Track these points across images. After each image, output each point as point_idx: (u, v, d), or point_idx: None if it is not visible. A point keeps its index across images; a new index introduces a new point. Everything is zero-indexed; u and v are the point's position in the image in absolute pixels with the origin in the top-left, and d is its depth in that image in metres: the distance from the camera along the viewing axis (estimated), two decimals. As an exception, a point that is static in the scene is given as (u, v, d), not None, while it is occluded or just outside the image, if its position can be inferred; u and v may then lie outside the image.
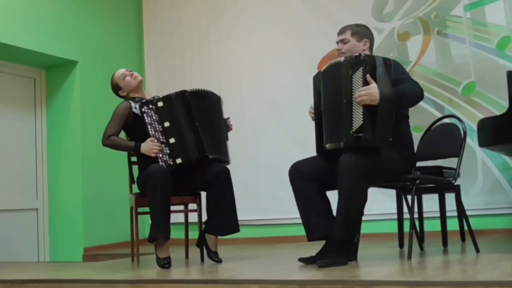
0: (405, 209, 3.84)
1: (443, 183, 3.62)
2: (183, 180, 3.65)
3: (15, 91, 5.52)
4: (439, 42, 5.08)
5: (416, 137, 3.60)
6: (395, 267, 3.03)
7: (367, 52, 3.35)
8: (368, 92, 3.01)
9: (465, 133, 3.61)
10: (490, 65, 4.82)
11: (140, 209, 3.70)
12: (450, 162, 3.76)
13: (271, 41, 5.71)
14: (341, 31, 3.42)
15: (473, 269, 2.85)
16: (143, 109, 3.62)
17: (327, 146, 3.19)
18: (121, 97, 3.87)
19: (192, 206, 3.88)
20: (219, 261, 3.61)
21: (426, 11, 5.13)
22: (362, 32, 3.40)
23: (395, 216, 3.92)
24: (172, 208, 3.61)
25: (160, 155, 3.58)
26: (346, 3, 5.40)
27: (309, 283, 2.55)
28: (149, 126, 3.61)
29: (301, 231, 3.36)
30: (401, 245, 3.92)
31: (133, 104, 3.72)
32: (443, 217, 3.91)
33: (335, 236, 3.08)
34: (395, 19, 5.25)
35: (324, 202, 3.26)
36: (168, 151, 3.60)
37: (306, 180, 3.25)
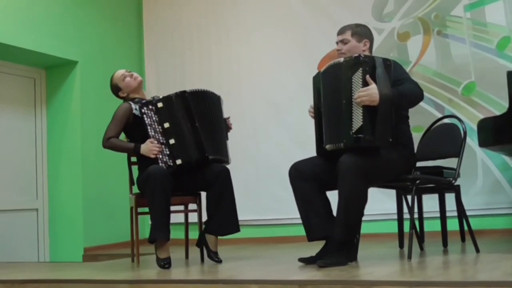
0: (405, 209, 3.84)
1: (443, 183, 3.63)
2: (183, 180, 3.65)
3: (15, 91, 5.52)
4: (439, 42, 5.08)
5: (416, 137, 3.60)
6: (395, 267, 3.03)
7: (367, 53, 3.35)
8: (367, 92, 3.01)
9: (465, 133, 3.61)
10: (490, 65, 4.82)
11: (140, 209, 3.70)
12: (450, 162, 3.76)
13: (271, 41, 5.71)
14: (341, 31, 3.42)
15: (473, 269, 2.85)
16: (143, 110, 3.61)
17: (327, 147, 3.19)
18: (121, 98, 3.86)
19: (192, 206, 3.88)
20: (219, 261, 3.61)
21: (426, 11, 5.13)
22: (362, 32, 3.39)
23: (395, 216, 3.92)
24: (172, 208, 3.61)
25: (160, 156, 3.58)
26: (346, 3, 5.40)
27: (309, 283, 2.55)
28: (149, 127, 3.60)
29: (301, 231, 3.36)
30: (401, 245, 3.92)
31: (133, 106, 3.71)
32: (443, 217, 3.91)
33: (335, 237, 3.08)
34: (395, 19, 5.25)
35: (324, 202, 3.26)
36: (168, 152, 3.59)
37: (306, 180, 3.25)
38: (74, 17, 5.60)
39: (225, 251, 4.00)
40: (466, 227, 3.70)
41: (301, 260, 3.26)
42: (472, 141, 4.57)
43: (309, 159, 3.36)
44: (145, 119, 3.61)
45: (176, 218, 3.96)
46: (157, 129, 3.62)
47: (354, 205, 3.06)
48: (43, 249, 5.57)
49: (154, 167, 3.48)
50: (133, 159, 3.86)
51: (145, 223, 4.98)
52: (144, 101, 3.68)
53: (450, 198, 3.86)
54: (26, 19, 5.16)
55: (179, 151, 3.59)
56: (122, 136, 3.80)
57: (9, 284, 3.25)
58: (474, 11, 4.95)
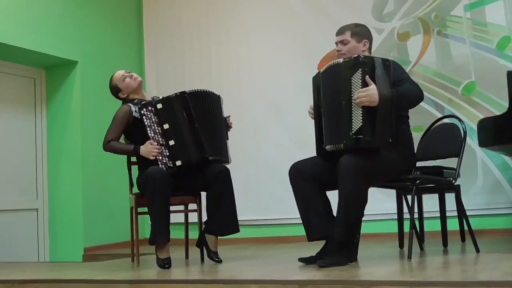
0: (405, 209, 3.84)
1: (443, 183, 3.62)
2: (183, 180, 3.65)
3: (15, 91, 5.52)
4: (439, 42, 5.08)
5: (416, 137, 3.60)
6: (395, 267, 3.03)
7: (366, 53, 3.34)
8: (367, 93, 3.01)
9: (465, 133, 3.61)
10: (490, 65, 4.82)
11: (140, 209, 3.70)
12: (450, 162, 3.76)
13: (271, 41, 5.71)
14: (340, 32, 3.41)
15: (473, 269, 2.85)
16: (142, 111, 3.60)
17: (327, 147, 3.19)
18: (121, 99, 3.85)
19: (192, 206, 3.88)
20: (219, 261, 3.61)
21: (426, 11, 5.13)
22: (361, 32, 3.39)
23: (395, 216, 3.92)
24: (172, 208, 3.61)
25: (160, 158, 3.57)
26: (346, 3, 5.40)
27: (309, 283, 2.55)
28: (148, 129, 3.59)
29: (301, 231, 3.36)
30: (401, 245, 3.92)
31: (133, 108, 3.70)
32: (443, 217, 3.91)
33: (335, 237, 3.08)
34: (395, 19, 5.25)
35: (324, 202, 3.26)
36: (167, 153, 3.59)
37: (306, 180, 3.25)
38: (74, 17, 5.60)
39: (225, 251, 4.00)
40: (466, 227, 3.70)
41: (301, 260, 3.26)
42: (472, 141, 4.57)
43: (309, 159, 3.36)
44: (145, 120, 3.60)
45: (176, 218, 3.96)
46: (157, 130, 3.61)
47: (354, 205, 3.06)
48: (43, 249, 5.57)
49: (154, 169, 3.47)
50: (133, 159, 3.86)
51: (145, 223, 4.99)
52: (143, 103, 3.68)
53: (450, 198, 3.86)
54: (26, 19, 5.16)
55: (179, 152, 3.59)
56: (121, 138, 3.80)
57: (9, 284, 3.25)
58: (474, 11, 4.95)
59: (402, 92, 3.12)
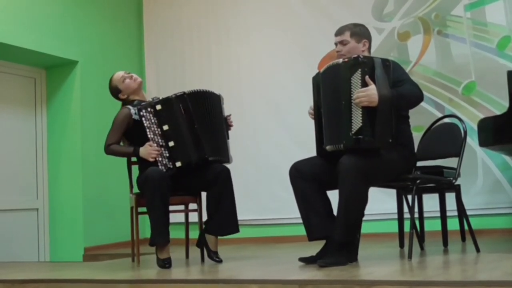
0: (406, 209, 3.84)
1: (444, 182, 3.62)
2: (183, 180, 3.65)
3: (15, 91, 5.52)
4: (439, 42, 5.08)
5: (417, 137, 3.60)
6: (396, 267, 3.03)
7: (366, 53, 3.34)
8: (366, 93, 3.00)
9: (465, 132, 3.61)
10: (490, 65, 4.82)
11: (140, 209, 3.70)
12: (450, 162, 3.76)
13: (271, 41, 5.71)
14: (339, 32, 3.40)
15: (473, 269, 2.85)
16: (141, 113, 3.59)
17: (327, 148, 3.19)
18: (121, 100, 3.84)
19: (193, 206, 3.88)
20: (219, 261, 3.60)
21: (426, 11, 5.13)
22: (361, 32, 3.38)
23: (396, 216, 3.92)
24: (172, 208, 3.61)
25: (160, 159, 3.57)
26: (346, 3, 5.40)
27: (309, 283, 2.54)
28: (148, 130, 3.58)
29: (301, 231, 3.36)
30: (401, 245, 3.92)
31: (132, 110, 3.69)
32: (443, 217, 3.91)
33: (335, 237, 3.08)
34: (395, 19, 5.25)
35: (324, 202, 3.26)
36: (167, 154, 3.58)
37: (306, 180, 3.25)
38: (74, 17, 5.60)
39: (225, 251, 4.00)
40: (466, 227, 3.70)
41: (301, 260, 3.25)
42: (472, 141, 4.56)
43: (309, 159, 3.36)
44: (144, 121, 3.59)
45: (176, 218, 3.97)
46: (156, 132, 3.60)
47: (355, 205, 3.06)
48: (43, 249, 5.57)
49: (152, 170, 3.47)
50: (133, 159, 3.86)
51: (145, 223, 4.97)
52: (142, 104, 3.67)
53: (450, 197, 3.85)
54: (26, 19, 5.16)
55: (179, 153, 3.58)
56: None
57: (9, 284, 3.25)
58: (474, 11, 4.95)
59: (402, 92, 3.11)
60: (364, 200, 3.09)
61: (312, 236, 3.24)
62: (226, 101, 3.91)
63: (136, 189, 3.73)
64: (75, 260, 5.31)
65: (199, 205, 3.78)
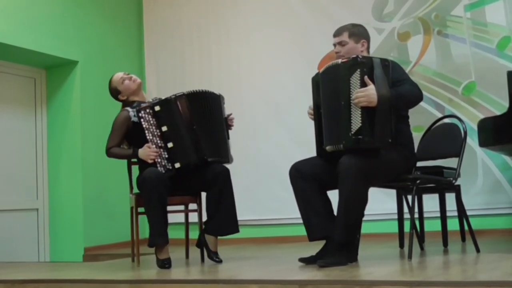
0: (406, 209, 3.84)
1: (444, 183, 3.62)
2: (183, 181, 3.65)
3: (15, 91, 5.52)
4: (439, 42, 5.08)
5: (417, 137, 3.60)
6: (396, 267, 3.03)
7: (364, 53, 3.34)
8: (365, 93, 3.01)
9: (465, 133, 3.61)
10: (490, 65, 4.82)
11: (140, 209, 3.69)
12: (450, 162, 3.76)
13: (271, 41, 5.71)
14: (338, 33, 3.40)
15: (473, 269, 2.85)
16: (140, 114, 3.59)
17: (327, 148, 3.19)
18: (121, 101, 3.84)
19: (192, 206, 3.88)
20: (219, 261, 3.60)
21: (426, 11, 5.13)
22: (359, 32, 3.38)
23: (396, 216, 3.92)
24: (172, 208, 3.61)
25: (159, 160, 3.57)
26: (346, 3, 5.40)
27: (309, 283, 2.55)
28: (146, 131, 3.58)
29: (301, 231, 3.36)
30: (401, 245, 3.92)
31: (131, 113, 3.69)
32: (443, 217, 3.91)
33: (335, 238, 3.08)
34: (395, 19, 5.25)
35: (324, 202, 3.26)
36: (166, 156, 3.58)
37: (306, 180, 3.25)
38: (74, 17, 5.60)
39: (225, 251, 4.00)
40: (466, 227, 3.70)
41: (301, 260, 3.25)
42: (472, 141, 4.56)
43: (309, 159, 3.36)
44: (143, 123, 3.58)
45: (176, 218, 3.97)
46: (155, 133, 3.60)
47: (355, 206, 3.06)
48: (43, 249, 5.57)
49: (149, 171, 3.47)
50: (133, 159, 3.86)
51: (145, 223, 4.96)
52: (141, 105, 3.66)
53: (450, 198, 3.85)
54: (26, 19, 5.16)
55: (178, 154, 3.58)
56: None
57: (9, 284, 3.25)
58: (474, 11, 4.95)
59: (401, 92, 3.11)
60: (364, 200, 3.09)
61: (312, 236, 3.24)
62: (226, 101, 3.91)
63: (136, 189, 3.73)
64: (75, 260, 5.31)
65: (199, 205, 3.77)
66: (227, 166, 3.74)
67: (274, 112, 5.63)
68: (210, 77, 5.87)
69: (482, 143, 3.64)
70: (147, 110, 3.60)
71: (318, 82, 3.27)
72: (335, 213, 3.15)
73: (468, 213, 3.69)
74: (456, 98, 4.95)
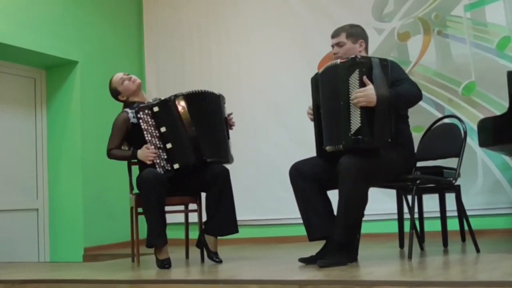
0: (406, 209, 3.84)
1: (444, 183, 3.62)
2: (183, 181, 3.65)
3: (15, 91, 5.52)
4: (439, 42, 5.08)
5: (416, 137, 3.60)
6: (396, 267, 3.03)
7: (363, 53, 3.34)
8: (364, 93, 3.01)
9: (465, 133, 3.61)
10: (490, 65, 4.82)
11: (140, 209, 3.69)
12: (450, 162, 3.75)
13: (271, 41, 5.71)
14: (335, 34, 3.40)
15: (473, 269, 2.85)
16: (138, 115, 3.58)
17: (327, 148, 3.19)
18: (121, 101, 3.84)
19: (192, 206, 3.88)
20: (219, 261, 3.60)
21: (426, 11, 5.13)
22: (357, 33, 3.38)
23: (396, 216, 3.92)
24: (172, 208, 3.60)
25: (158, 161, 3.57)
26: (346, 3, 5.40)
27: (309, 283, 2.54)
28: (145, 132, 3.58)
29: (301, 231, 3.36)
30: (401, 245, 3.92)
31: (130, 114, 3.69)
32: (443, 217, 3.91)
33: (335, 238, 3.08)
34: (395, 19, 5.25)
35: (324, 202, 3.26)
36: (165, 156, 3.58)
37: (306, 180, 3.25)
38: (74, 17, 5.60)
39: (225, 251, 4.00)
40: (466, 227, 3.70)
41: (301, 260, 3.25)
42: (472, 141, 4.56)
43: (309, 159, 3.36)
44: (142, 124, 3.58)
45: (176, 218, 3.97)
46: (154, 134, 3.60)
47: (354, 206, 3.06)
48: (43, 249, 5.57)
49: (148, 172, 3.47)
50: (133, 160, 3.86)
51: (145, 223, 4.98)
52: (140, 106, 3.66)
53: (450, 198, 3.86)
54: (26, 19, 5.16)
55: (177, 155, 3.57)
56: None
57: (9, 284, 3.25)
58: (474, 11, 4.95)
59: (400, 92, 3.11)
60: (364, 200, 3.09)
61: (312, 236, 3.24)
62: (226, 101, 3.91)
63: (136, 189, 3.73)
64: (75, 260, 5.31)
65: (199, 205, 3.78)
66: (228, 166, 3.73)
67: (274, 112, 5.63)
68: (210, 77, 5.87)
69: (482, 143, 3.64)
70: (146, 111, 3.60)
71: (318, 82, 3.27)
72: (335, 213, 3.15)
73: (468, 213, 3.69)
74: (456, 98, 4.95)
